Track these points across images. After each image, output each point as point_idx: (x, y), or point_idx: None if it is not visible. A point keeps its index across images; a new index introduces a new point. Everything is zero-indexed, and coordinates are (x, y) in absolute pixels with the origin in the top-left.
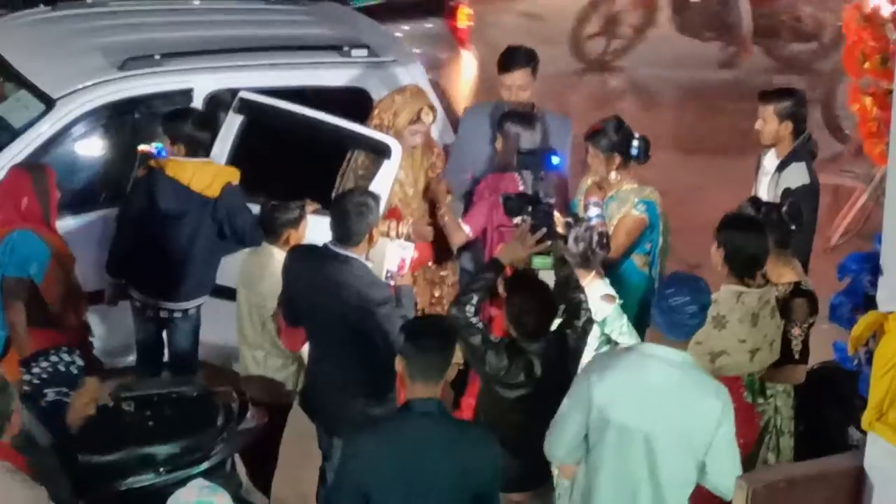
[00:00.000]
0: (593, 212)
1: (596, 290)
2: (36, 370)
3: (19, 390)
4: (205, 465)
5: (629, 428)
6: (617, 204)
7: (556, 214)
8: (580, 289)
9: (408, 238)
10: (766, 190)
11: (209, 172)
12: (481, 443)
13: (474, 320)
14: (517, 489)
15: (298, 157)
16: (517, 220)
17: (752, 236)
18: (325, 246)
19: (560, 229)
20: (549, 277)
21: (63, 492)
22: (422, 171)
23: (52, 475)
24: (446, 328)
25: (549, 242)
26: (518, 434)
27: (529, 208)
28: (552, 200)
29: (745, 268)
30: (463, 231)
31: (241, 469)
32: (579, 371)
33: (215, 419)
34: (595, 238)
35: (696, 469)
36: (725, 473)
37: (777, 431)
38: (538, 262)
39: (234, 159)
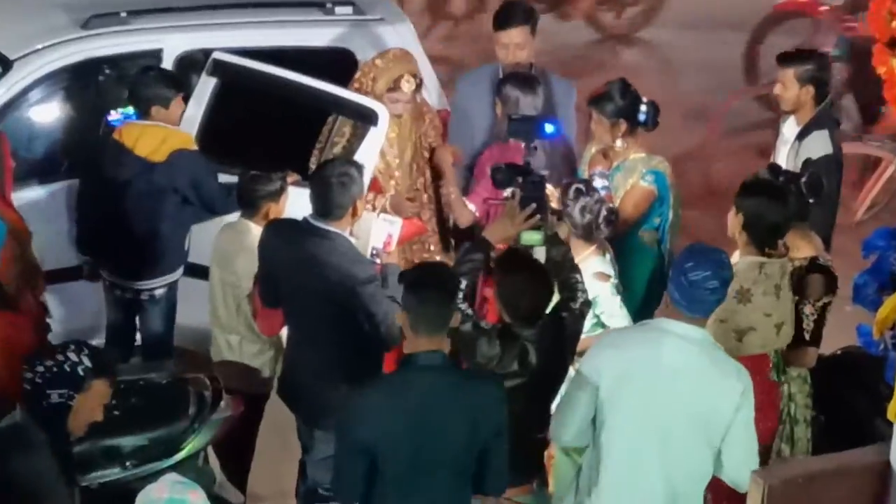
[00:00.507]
0: (598, 183)
1: (591, 267)
2: (39, 369)
3: (20, 388)
4: (175, 459)
5: (641, 410)
6: (623, 174)
7: (549, 187)
8: (576, 268)
9: (384, 212)
10: (785, 160)
11: (156, 136)
12: (489, 392)
13: (463, 306)
14: (510, 484)
15: (277, 123)
16: (507, 192)
17: (775, 203)
18: (304, 220)
19: (554, 203)
20: (540, 254)
21: (59, 499)
22: (409, 142)
23: (45, 479)
24: (449, 275)
25: (539, 217)
26: (512, 426)
27: (519, 180)
28: (545, 172)
29: (766, 237)
30: (469, 210)
31: (215, 463)
32: (588, 349)
33: (186, 408)
34: (603, 212)
35: (712, 458)
36: (741, 462)
37: (791, 420)
38: (528, 237)
39: (208, 126)
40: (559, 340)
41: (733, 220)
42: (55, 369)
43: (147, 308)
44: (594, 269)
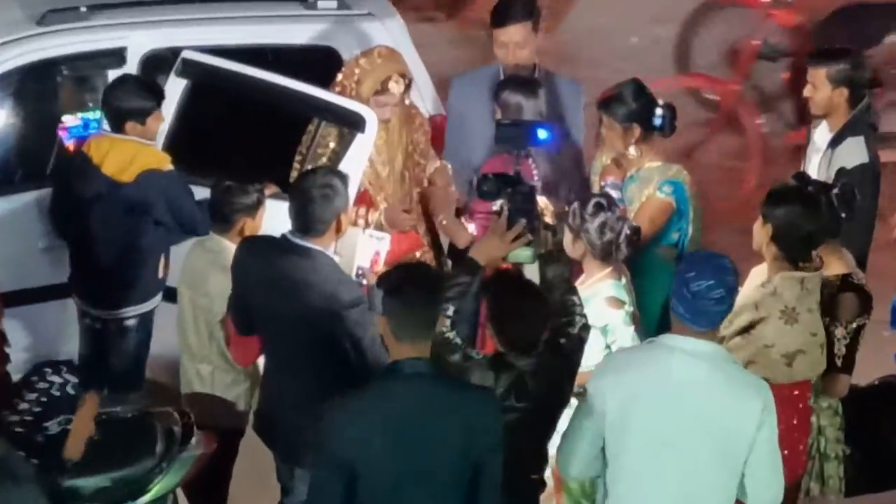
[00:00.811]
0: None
1: (603, 291)
2: (25, 405)
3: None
4: (141, 502)
5: (652, 433)
6: (638, 185)
7: (542, 199)
8: (573, 289)
9: (379, 228)
10: (816, 169)
11: (126, 154)
12: (482, 403)
13: (450, 335)
14: None
15: (254, 129)
16: (496, 205)
17: (807, 211)
18: (283, 237)
19: (548, 217)
20: (534, 273)
21: None
22: (400, 149)
23: None
24: (432, 276)
25: (529, 235)
26: (507, 466)
27: (508, 191)
28: (537, 182)
29: (799, 248)
30: (467, 230)
31: None
32: (592, 375)
33: (153, 446)
34: (626, 231)
35: (734, 482)
36: (766, 484)
37: (822, 456)
38: (517, 255)
39: (177, 132)
40: (558, 370)
41: (760, 232)
42: (44, 398)
43: (116, 339)
44: (607, 293)
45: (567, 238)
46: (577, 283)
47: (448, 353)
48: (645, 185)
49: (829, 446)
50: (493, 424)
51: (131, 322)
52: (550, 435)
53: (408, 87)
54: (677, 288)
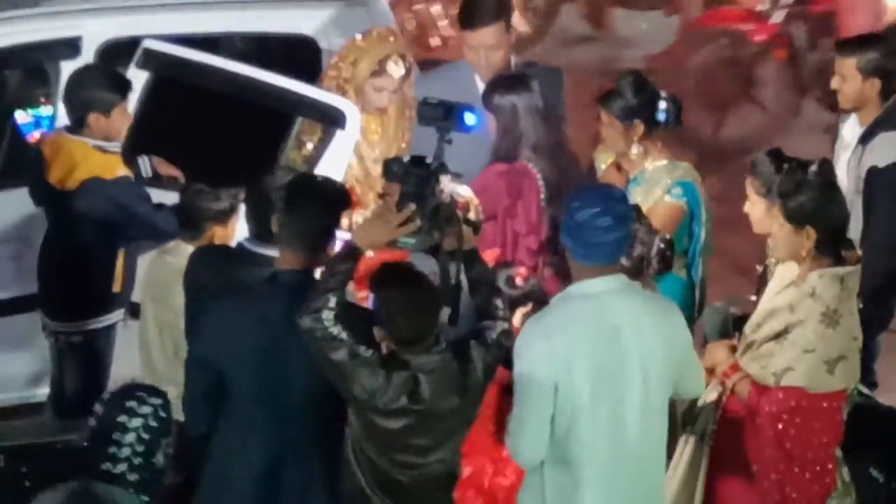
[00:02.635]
0: None
1: None
2: (127, 449)
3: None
4: None
5: (604, 384)
6: (644, 188)
7: (465, 190)
8: (497, 291)
9: None
10: (845, 168)
11: (70, 159)
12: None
13: (334, 330)
14: None
15: (223, 127)
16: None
17: (832, 196)
18: (239, 245)
19: (472, 213)
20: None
21: None
22: (395, 143)
23: None
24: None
25: (418, 222)
26: (408, 479)
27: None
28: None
29: (838, 239)
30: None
31: None
32: (517, 349)
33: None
34: (658, 244)
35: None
36: (696, 381)
37: (844, 485)
38: (402, 241)
39: (138, 130)
40: (463, 374)
41: (793, 238)
42: (146, 434)
43: (66, 356)
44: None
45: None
46: None
47: (331, 350)
48: (652, 187)
49: (844, 487)
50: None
51: (77, 339)
52: (451, 443)
53: (408, 72)
54: (564, 222)
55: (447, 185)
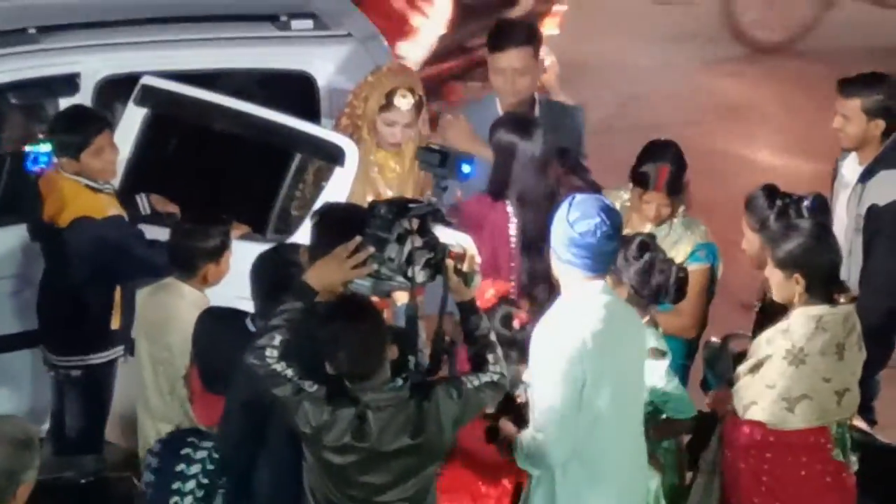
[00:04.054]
0: None
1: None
2: (189, 497)
3: None
4: None
5: (622, 386)
6: (668, 244)
7: (460, 239)
8: (492, 345)
9: None
10: (845, 206)
11: (61, 197)
12: None
13: (278, 367)
14: None
15: (222, 163)
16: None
17: (820, 235)
18: (245, 325)
19: (466, 265)
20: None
21: None
22: (411, 179)
23: None
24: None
25: (374, 266)
26: None
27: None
28: (512, 231)
29: (828, 283)
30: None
31: None
32: (534, 344)
33: None
34: (675, 273)
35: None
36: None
37: None
38: (356, 284)
39: (136, 167)
40: (419, 414)
41: (784, 285)
42: (205, 479)
43: (66, 390)
44: (648, 344)
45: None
46: None
47: (275, 386)
48: (675, 244)
49: None
50: None
51: (76, 373)
52: (418, 484)
53: (418, 106)
54: (563, 234)
55: (443, 232)
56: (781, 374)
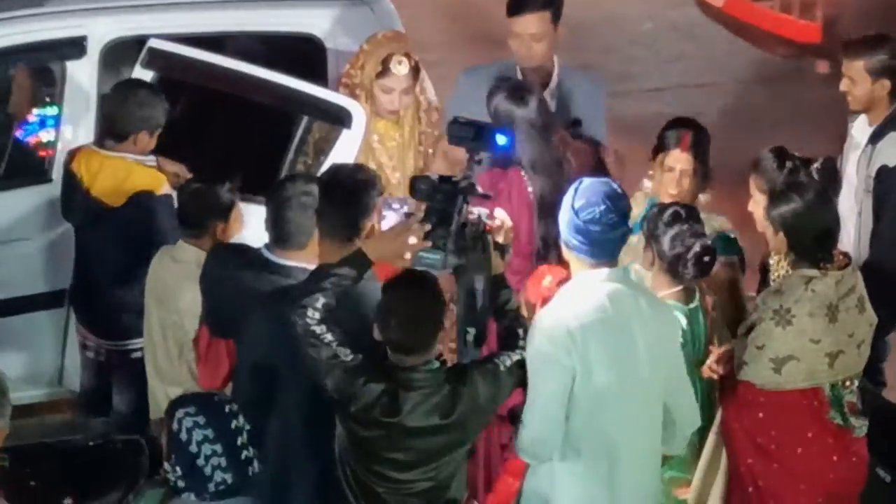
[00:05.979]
0: None
1: None
2: (213, 458)
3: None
4: None
5: (624, 377)
6: None
7: (502, 216)
8: (520, 321)
9: None
10: (855, 167)
11: (118, 173)
12: None
13: (318, 329)
14: None
15: (229, 126)
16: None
17: (814, 203)
18: (258, 253)
19: (500, 237)
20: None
21: None
22: (411, 150)
23: None
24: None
25: (430, 241)
26: (385, 492)
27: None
28: (531, 197)
29: (816, 247)
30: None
31: None
32: (531, 334)
33: (117, 478)
34: (696, 248)
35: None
36: (687, 409)
37: None
38: (421, 257)
39: None
40: (453, 396)
41: (775, 241)
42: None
43: (119, 373)
44: (675, 325)
45: (640, 243)
46: None
47: (309, 346)
48: None
49: None
50: None
51: (137, 354)
52: (445, 467)
53: (415, 71)
54: (568, 221)
55: (478, 206)
56: (767, 334)
